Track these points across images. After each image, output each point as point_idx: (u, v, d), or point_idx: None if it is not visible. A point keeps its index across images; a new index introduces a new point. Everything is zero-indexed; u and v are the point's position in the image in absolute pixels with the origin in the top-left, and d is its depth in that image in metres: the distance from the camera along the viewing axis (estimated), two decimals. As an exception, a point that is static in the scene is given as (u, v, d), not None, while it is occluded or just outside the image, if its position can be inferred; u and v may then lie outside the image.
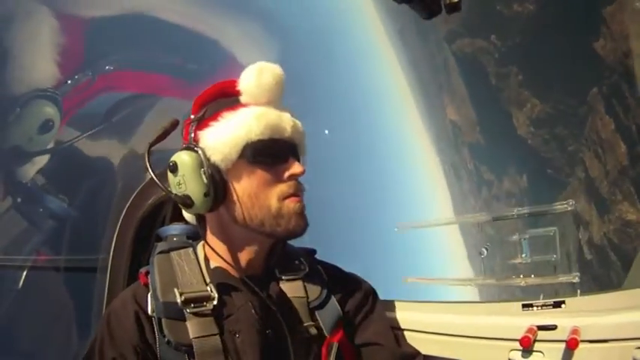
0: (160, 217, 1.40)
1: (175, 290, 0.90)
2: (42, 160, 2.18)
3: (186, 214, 1.07)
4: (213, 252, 0.98)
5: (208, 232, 1.01)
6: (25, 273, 1.92)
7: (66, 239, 2.09)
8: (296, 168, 0.94)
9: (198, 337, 0.87)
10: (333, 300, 1.02)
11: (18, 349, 1.80)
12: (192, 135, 0.95)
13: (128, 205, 1.40)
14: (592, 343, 0.90)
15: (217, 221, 0.99)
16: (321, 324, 0.97)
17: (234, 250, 0.98)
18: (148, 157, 0.93)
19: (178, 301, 0.89)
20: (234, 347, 0.90)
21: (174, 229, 1.14)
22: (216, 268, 0.98)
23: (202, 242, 1.02)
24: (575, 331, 0.91)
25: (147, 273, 0.98)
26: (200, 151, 0.91)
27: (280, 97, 0.97)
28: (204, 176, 0.90)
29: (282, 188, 0.93)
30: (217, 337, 0.89)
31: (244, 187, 0.93)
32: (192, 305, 0.89)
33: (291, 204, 0.93)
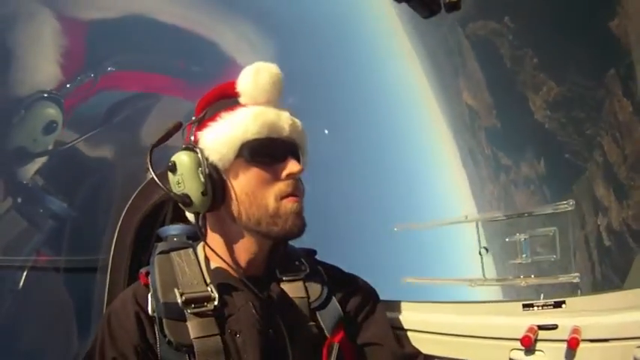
0: (160, 217, 1.40)
1: (176, 290, 0.91)
2: (42, 161, 2.19)
3: (188, 215, 1.07)
4: (213, 252, 0.98)
5: (209, 232, 1.01)
6: (25, 273, 1.92)
7: (66, 239, 2.09)
8: (294, 167, 0.94)
9: (198, 338, 0.87)
10: (334, 300, 1.02)
11: (18, 349, 1.80)
12: (192, 135, 0.96)
13: (128, 205, 1.40)
14: (593, 343, 0.90)
15: (217, 221, 0.99)
16: (321, 324, 0.98)
17: (234, 250, 0.98)
18: (150, 158, 0.94)
19: (179, 301, 0.89)
20: (235, 347, 0.90)
21: (174, 229, 1.14)
22: (217, 268, 0.98)
23: (203, 243, 1.02)
24: (575, 330, 0.91)
25: (147, 273, 0.98)
26: (198, 151, 0.92)
27: (278, 96, 0.97)
28: (201, 175, 0.91)
29: (280, 187, 0.93)
30: (218, 337, 0.89)
31: (242, 186, 0.93)
32: (193, 305, 0.90)
33: (288, 204, 0.93)
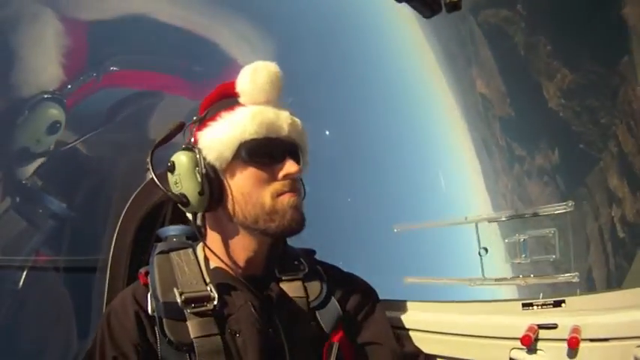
0: (159, 217, 1.40)
1: (175, 290, 0.91)
2: (42, 161, 2.19)
3: (189, 216, 1.07)
4: (212, 252, 0.99)
5: (208, 232, 1.01)
6: (24, 273, 1.92)
7: (66, 239, 2.09)
8: (291, 167, 0.93)
9: (198, 337, 0.87)
10: (333, 300, 1.02)
11: (18, 348, 1.80)
12: (193, 135, 0.97)
13: (128, 205, 1.40)
14: (593, 342, 0.90)
15: (216, 221, 0.99)
16: (321, 324, 0.98)
17: (233, 249, 0.98)
18: (151, 158, 0.94)
19: (178, 301, 0.89)
20: (235, 347, 0.90)
21: (173, 229, 1.13)
22: (216, 268, 0.98)
23: (202, 243, 1.02)
24: (575, 329, 0.92)
25: (146, 273, 0.98)
26: (197, 151, 0.92)
27: (278, 95, 0.97)
28: (198, 175, 0.91)
29: (276, 186, 0.93)
30: (218, 336, 0.89)
31: (239, 186, 0.93)
32: (193, 305, 0.90)
33: (285, 199, 0.93)
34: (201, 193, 0.91)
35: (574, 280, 1.14)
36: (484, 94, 15.39)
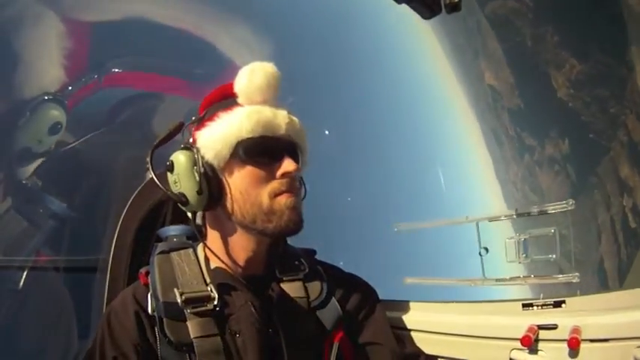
0: (160, 217, 1.40)
1: (176, 290, 0.91)
2: (43, 161, 2.20)
3: (190, 215, 1.07)
4: (212, 252, 0.99)
5: (208, 232, 1.02)
6: (25, 273, 1.92)
7: (66, 239, 2.10)
8: (289, 166, 0.93)
9: (198, 337, 0.87)
10: (334, 300, 1.03)
11: (18, 348, 1.80)
12: (191, 135, 0.97)
13: (129, 204, 1.40)
14: (593, 343, 0.90)
15: (215, 220, 1.00)
16: (321, 324, 0.98)
17: (232, 249, 0.98)
18: (151, 158, 0.94)
19: (179, 301, 0.89)
20: (235, 347, 0.90)
21: (174, 229, 1.14)
22: (217, 268, 0.98)
23: (202, 243, 1.03)
24: (575, 330, 0.91)
25: (147, 273, 0.98)
26: (195, 150, 0.93)
27: (275, 95, 0.97)
28: (196, 174, 0.92)
29: (274, 185, 0.93)
30: (218, 337, 0.89)
31: (237, 185, 0.93)
32: (193, 305, 0.90)
33: (282, 199, 0.93)
34: (199, 192, 0.92)
35: (574, 281, 1.14)
36: (493, 86, 15.32)
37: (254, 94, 0.94)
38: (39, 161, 2.19)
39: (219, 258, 0.98)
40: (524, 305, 1.04)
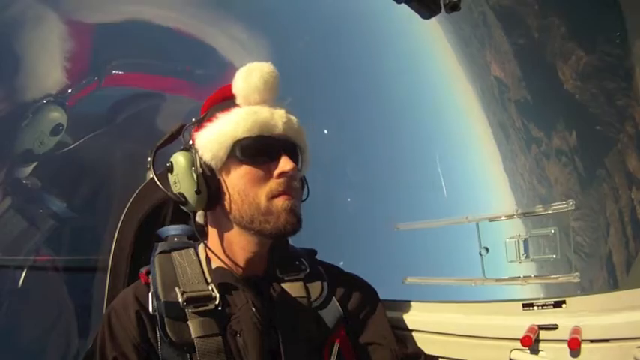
0: (160, 217, 1.40)
1: (177, 289, 0.91)
2: (43, 161, 2.21)
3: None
4: (212, 252, 0.99)
5: (209, 232, 1.02)
6: (25, 273, 1.93)
7: (67, 239, 2.10)
8: (286, 165, 0.93)
9: (199, 337, 0.88)
10: (334, 300, 1.03)
11: (19, 347, 1.80)
12: (191, 137, 0.98)
13: (129, 204, 1.40)
14: (593, 343, 0.90)
15: (215, 220, 1.00)
16: (322, 324, 0.98)
17: (232, 249, 0.98)
18: (152, 159, 0.96)
19: (180, 300, 0.89)
20: (236, 347, 0.90)
21: (174, 229, 1.14)
22: (218, 268, 0.98)
23: (203, 242, 1.03)
24: (576, 330, 0.91)
25: (147, 272, 0.99)
26: (193, 151, 0.94)
27: (273, 94, 0.97)
28: (195, 175, 0.92)
29: (272, 186, 0.93)
30: (219, 336, 0.89)
31: (234, 185, 0.94)
32: (194, 305, 0.90)
33: (279, 202, 0.93)
34: (197, 192, 0.92)
35: (574, 281, 1.14)
36: (499, 78, 15.28)
37: (251, 94, 0.95)
38: (40, 161, 2.20)
39: (219, 258, 0.98)
40: (524, 305, 1.04)
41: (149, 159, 0.97)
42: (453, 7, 0.83)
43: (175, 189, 0.96)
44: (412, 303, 1.22)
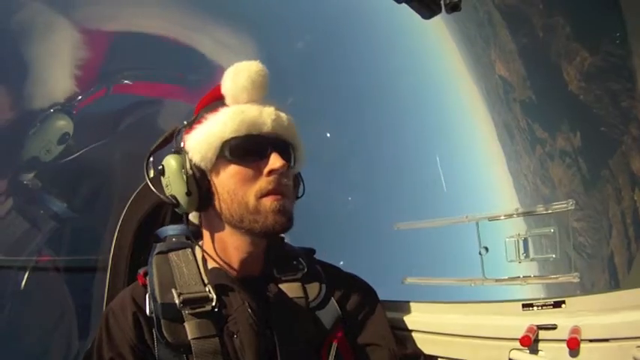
0: (160, 217, 1.40)
1: (174, 291, 0.91)
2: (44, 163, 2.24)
3: (191, 216, 1.07)
4: (207, 253, 0.99)
5: (204, 233, 1.02)
6: (26, 274, 1.93)
7: (67, 240, 2.11)
8: (276, 163, 0.92)
9: (196, 338, 0.87)
10: (333, 300, 1.02)
11: (20, 348, 1.81)
12: (181, 139, 0.99)
13: (128, 205, 1.40)
14: (592, 343, 0.90)
15: (208, 221, 1.00)
16: (320, 324, 0.98)
17: (226, 250, 0.98)
18: (147, 163, 0.97)
19: (177, 302, 0.89)
20: (233, 348, 0.90)
21: (172, 229, 1.14)
22: (214, 268, 0.98)
23: (201, 243, 1.03)
24: (575, 330, 0.91)
25: (145, 273, 0.98)
26: (183, 153, 0.94)
27: (261, 93, 0.96)
28: (184, 177, 0.92)
29: (261, 184, 0.93)
30: (216, 338, 0.89)
31: (224, 185, 0.94)
32: (191, 306, 0.90)
33: (267, 202, 0.92)
34: (188, 194, 0.93)
35: (574, 281, 1.14)
36: (504, 77, 15.25)
37: (239, 94, 0.94)
38: (45, 166, 2.23)
39: (214, 259, 0.98)
40: (524, 305, 1.04)
41: (145, 163, 0.98)
42: (454, 7, 0.83)
43: (167, 191, 0.96)
44: (412, 303, 1.22)
